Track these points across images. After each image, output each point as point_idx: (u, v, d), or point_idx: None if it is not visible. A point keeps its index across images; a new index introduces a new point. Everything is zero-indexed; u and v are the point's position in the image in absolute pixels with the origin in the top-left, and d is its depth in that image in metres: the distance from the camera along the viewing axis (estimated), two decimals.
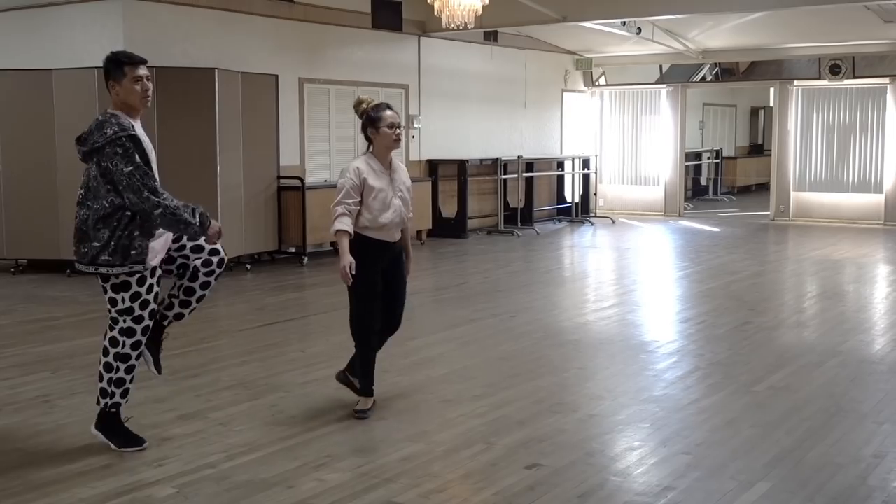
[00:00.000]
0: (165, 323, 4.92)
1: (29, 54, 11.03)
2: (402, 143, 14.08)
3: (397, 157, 5.51)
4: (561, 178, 17.18)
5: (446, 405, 5.53)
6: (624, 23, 14.45)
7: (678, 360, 6.70)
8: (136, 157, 4.48)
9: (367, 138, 5.35)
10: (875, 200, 15.86)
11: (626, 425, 5.20)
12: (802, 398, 5.68)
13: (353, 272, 5.09)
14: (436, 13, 10.80)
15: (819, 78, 16.23)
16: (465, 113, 14.90)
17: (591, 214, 17.14)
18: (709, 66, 19.41)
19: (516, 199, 15.39)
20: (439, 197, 14.23)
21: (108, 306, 4.66)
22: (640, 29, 14.78)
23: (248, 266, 11.16)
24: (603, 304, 9.10)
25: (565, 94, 17.61)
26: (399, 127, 5.32)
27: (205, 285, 4.86)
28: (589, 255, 13.48)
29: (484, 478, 4.37)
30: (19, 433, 5.03)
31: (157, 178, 4.61)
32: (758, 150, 24.61)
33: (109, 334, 4.68)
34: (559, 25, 13.79)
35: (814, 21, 14.30)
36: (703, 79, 19.94)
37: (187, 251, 4.79)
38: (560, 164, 17.09)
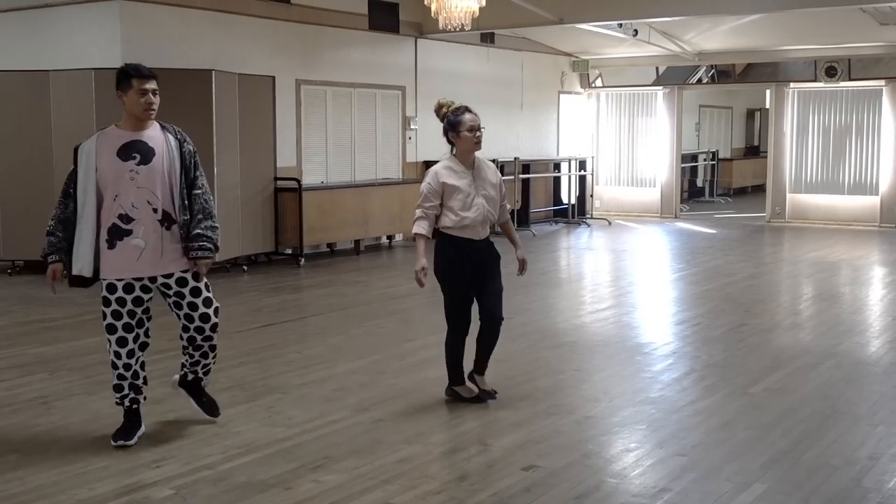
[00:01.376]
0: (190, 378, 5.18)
1: (26, 55, 11.03)
2: (400, 144, 14.19)
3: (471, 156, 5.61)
4: (557, 180, 17.20)
5: (443, 407, 5.54)
6: (620, 25, 14.47)
7: (674, 362, 6.72)
8: (73, 168, 4.78)
9: (449, 141, 5.51)
10: (870, 202, 15.90)
11: (622, 427, 5.21)
12: (798, 400, 5.70)
13: (425, 276, 5.34)
14: (433, 15, 10.82)
15: (815, 80, 16.27)
16: None
17: (588, 216, 17.16)
18: (705, 67, 19.46)
19: (513, 201, 15.40)
20: None
21: None
22: (636, 31, 14.80)
23: (245, 267, 11.16)
24: (599, 306, 9.12)
25: (562, 95, 17.63)
26: (479, 129, 5.46)
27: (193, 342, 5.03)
28: (585, 257, 13.50)
29: (481, 479, 4.39)
30: (17, 434, 5.04)
31: (114, 190, 4.73)
32: (754, 151, 24.66)
33: None
34: (556, 27, 13.81)
35: (810, 23, 14.34)
36: (700, 81, 19.98)
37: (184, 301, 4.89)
38: (556, 166, 17.11)
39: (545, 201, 17.03)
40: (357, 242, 12.71)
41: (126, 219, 4.71)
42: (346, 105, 13.05)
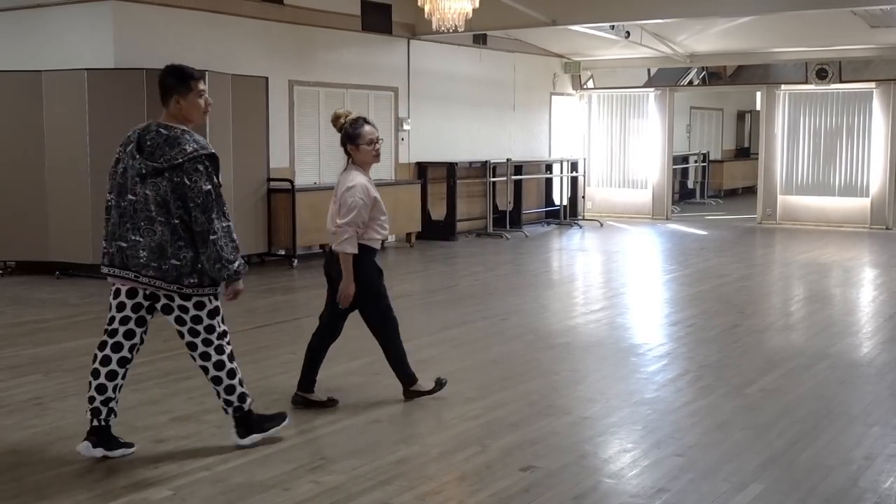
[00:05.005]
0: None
1: (18, 56, 10.99)
2: (392, 145, 14.16)
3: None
4: (549, 181, 17.23)
5: (440, 407, 5.54)
6: (612, 26, 14.50)
7: (669, 363, 6.74)
8: (215, 177, 4.47)
9: (347, 153, 5.45)
10: (861, 204, 15.97)
11: (618, 427, 5.23)
12: (793, 401, 5.72)
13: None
14: (426, 16, 10.83)
15: (806, 82, 16.33)
16: (455, 115, 14.92)
17: (580, 217, 17.18)
18: (696, 69, 19.52)
19: (505, 202, 15.42)
20: (428, 199, 14.25)
21: (192, 325, 4.68)
22: (628, 32, 14.84)
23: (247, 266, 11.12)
24: (592, 307, 9.13)
25: (554, 97, 17.66)
26: (378, 142, 5.39)
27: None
28: (577, 258, 13.52)
29: (479, 480, 4.39)
30: (13, 436, 5.02)
31: None
32: (744, 153, 24.74)
33: (202, 349, 4.75)
34: (548, 29, 13.83)
35: (801, 25, 14.40)
36: (691, 82, 20.05)
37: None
38: (548, 167, 17.14)
39: (537, 202, 17.06)
40: None
41: None
42: (338, 106, 13.02)
